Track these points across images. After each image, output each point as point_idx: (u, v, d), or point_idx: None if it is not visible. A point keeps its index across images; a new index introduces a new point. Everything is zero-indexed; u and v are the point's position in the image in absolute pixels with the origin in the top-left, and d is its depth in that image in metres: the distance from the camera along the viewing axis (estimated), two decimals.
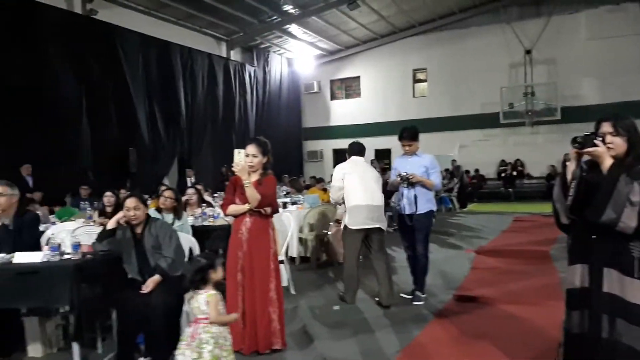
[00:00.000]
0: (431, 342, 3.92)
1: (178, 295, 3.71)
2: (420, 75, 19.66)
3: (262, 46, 18.44)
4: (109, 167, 11.98)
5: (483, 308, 4.75)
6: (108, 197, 6.39)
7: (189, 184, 11.24)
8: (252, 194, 3.61)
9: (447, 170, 15.83)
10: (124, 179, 11.90)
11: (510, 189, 17.43)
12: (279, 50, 19.34)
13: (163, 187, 6.52)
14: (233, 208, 3.75)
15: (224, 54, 16.98)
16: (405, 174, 4.92)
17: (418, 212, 4.94)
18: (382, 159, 19.46)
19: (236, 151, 3.61)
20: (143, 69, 13.27)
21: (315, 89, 20.80)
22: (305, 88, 21.01)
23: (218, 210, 6.14)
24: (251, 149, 3.73)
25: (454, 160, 16.47)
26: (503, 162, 17.96)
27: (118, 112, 12.36)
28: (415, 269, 5.13)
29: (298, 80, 20.87)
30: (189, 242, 4.14)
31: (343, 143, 20.67)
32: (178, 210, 5.38)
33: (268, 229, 3.82)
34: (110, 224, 3.81)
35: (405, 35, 19.21)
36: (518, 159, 17.82)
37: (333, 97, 21.14)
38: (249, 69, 17.83)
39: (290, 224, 5.49)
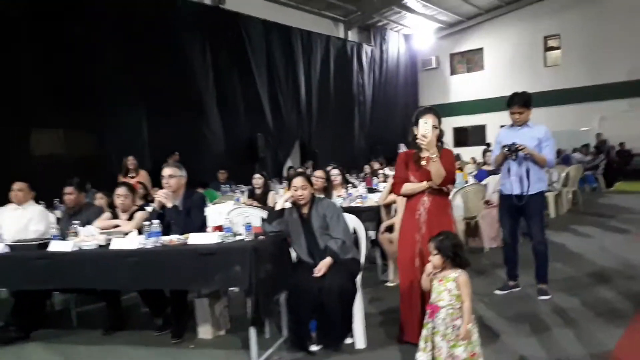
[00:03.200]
0: None
1: (352, 279, 3.49)
2: (552, 43, 17.93)
3: (380, 24, 17.94)
4: (240, 152, 12.33)
5: None
6: (256, 179, 6.41)
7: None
8: (439, 170, 3.23)
9: (584, 146, 14.31)
10: (253, 163, 12.17)
11: None
12: (396, 27, 18.71)
13: (302, 169, 6.42)
14: (409, 186, 3.40)
15: (342, 35, 16.73)
16: (513, 143, 4.24)
17: (530, 193, 4.27)
18: None
19: (422, 121, 3.25)
20: (266, 55, 13.45)
21: (434, 65, 19.87)
22: (422, 64, 20.17)
23: (363, 190, 5.89)
24: (430, 118, 3.34)
25: (599, 134, 14.81)
26: None
27: (245, 99, 12.64)
28: (535, 259, 4.46)
29: (415, 57, 20.09)
30: (352, 222, 3.88)
31: (464, 120, 19.92)
32: (328, 190, 5.21)
33: (448, 209, 3.44)
34: (279, 204, 3.68)
35: (534, 0, 17.59)
36: None
37: (453, 72, 20.04)
38: (366, 48, 17.45)
39: None
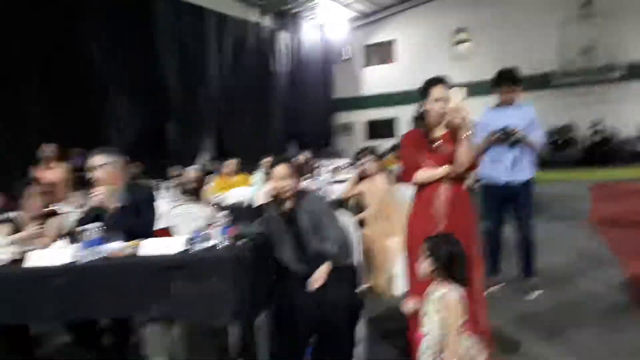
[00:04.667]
0: None
1: (354, 290, 2.84)
2: (461, 36, 18.41)
3: (294, 10, 17.24)
4: (148, 143, 11.02)
5: None
6: (192, 173, 5.45)
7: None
8: (467, 152, 2.65)
9: None
10: (163, 156, 10.95)
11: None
12: (311, 15, 18.12)
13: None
14: (426, 174, 2.79)
15: (256, 19, 15.81)
16: (505, 127, 3.85)
17: (521, 179, 3.96)
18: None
19: (454, 89, 2.65)
20: (176, 37, 12.20)
21: (348, 56, 19.59)
22: (336, 55, 19.79)
23: (323, 184, 5.22)
24: (441, 91, 2.76)
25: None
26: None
27: (152, 85, 11.32)
28: (524, 251, 4.10)
29: (329, 47, 19.66)
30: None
31: (377, 114, 19.92)
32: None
33: (470, 202, 2.87)
34: (259, 199, 2.90)
35: None
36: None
37: (368, 64, 19.91)
38: (280, 35, 16.68)
39: None
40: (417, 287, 2.75)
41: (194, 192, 5.52)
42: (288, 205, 2.94)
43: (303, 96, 17.45)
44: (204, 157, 12.52)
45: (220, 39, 13.77)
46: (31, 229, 3.19)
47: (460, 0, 17.73)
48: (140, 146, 10.29)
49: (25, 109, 8.39)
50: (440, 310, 2.14)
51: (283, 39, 16.82)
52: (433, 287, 2.24)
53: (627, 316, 3.45)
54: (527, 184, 4.01)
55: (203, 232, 2.70)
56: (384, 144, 16.16)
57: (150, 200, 3.14)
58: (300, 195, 2.96)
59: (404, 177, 2.93)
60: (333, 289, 2.68)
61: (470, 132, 2.64)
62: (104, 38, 10.08)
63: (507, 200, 4.06)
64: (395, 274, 4.05)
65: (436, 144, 2.81)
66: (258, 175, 6.50)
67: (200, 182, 5.48)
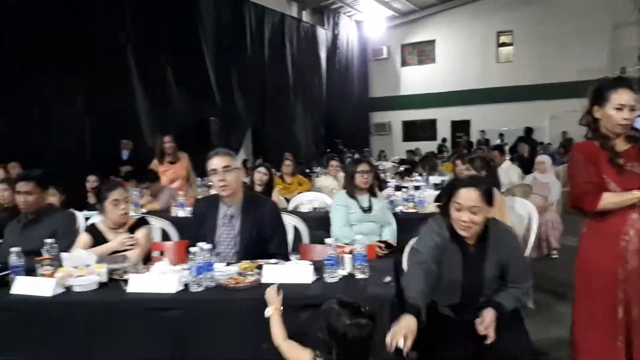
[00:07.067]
0: None
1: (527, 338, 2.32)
2: (505, 39, 17.76)
3: (333, 6, 16.74)
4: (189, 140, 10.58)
5: None
6: (261, 174, 4.92)
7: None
8: None
9: (541, 144, 14.12)
10: (205, 150, 10.49)
11: None
12: (349, 12, 17.61)
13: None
14: (614, 198, 2.23)
15: (295, 15, 15.34)
16: None
17: None
18: (460, 131, 17.81)
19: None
20: (217, 32, 11.75)
21: (385, 55, 19.02)
22: (373, 54, 19.22)
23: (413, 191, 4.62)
24: (627, 96, 2.25)
25: (564, 132, 14.65)
26: None
27: (192, 79, 10.89)
28: None
29: (366, 45, 19.13)
30: None
31: (414, 114, 19.34)
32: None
33: None
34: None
35: None
36: None
37: (404, 64, 19.34)
38: (319, 31, 16.18)
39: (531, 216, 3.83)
40: (597, 332, 2.26)
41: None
42: (470, 241, 2.34)
43: (340, 94, 16.94)
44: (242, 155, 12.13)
45: (259, 33, 13.30)
46: (120, 240, 2.71)
47: (504, 2, 17.08)
48: (188, 140, 9.90)
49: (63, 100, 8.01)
50: None
51: (321, 34, 16.32)
52: None
53: None
54: None
55: (332, 257, 2.22)
56: (422, 146, 15.74)
57: (278, 213, 2.67)
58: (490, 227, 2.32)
59: (584, 201, 2.31)
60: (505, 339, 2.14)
61: None
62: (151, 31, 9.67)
63: None
64: None
65: (622, 161, 2.27)
66: (323, 179, 6.03)
67: (271, 183, 4.97)
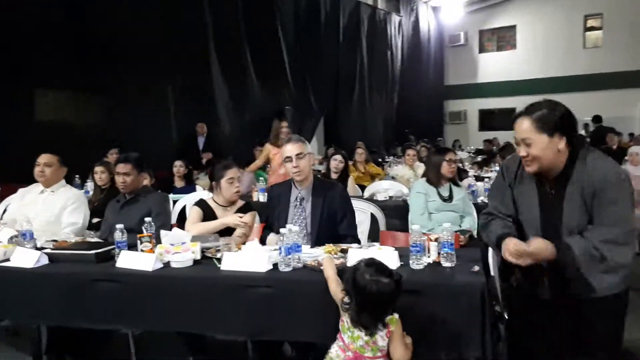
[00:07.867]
0: None
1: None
2: (592, 23, 16.65)
3: None
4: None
5: None
6: (337, 162, 4.99)
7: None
8: None
9: (631, 135, 13.18)
10: None
11: None
12: None
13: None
14: None
15: (371, 2, 15.19)
16: None
17: None
18: None
19: None
20: (293, 18, 11.88)
21: (462, 41, 18.43)
22: (449, 40, 18.67)
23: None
24: None
25: None
26: None
27: (273, 69, 11.12)
28: None
29: (442, 32, 18.62)
30: None
31: (492, 103, 18.62)
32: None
33: None
34: None
35: None
36: None
37: (482, 50, 18.65)
38: (394, 18, 15.94)
39: None
40: None
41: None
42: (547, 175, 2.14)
43: (414, 81, 16.62)
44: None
45: (335, 21, 13.29)
46: (235, 218, 2.89)
47: None
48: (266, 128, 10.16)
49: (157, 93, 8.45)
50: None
51: (396, 21, 16.07)
52: None
53: None
54: None
55: (418, 244, 2.22)
56: (500, 136, 15.14)
57: (347, 197, 2.74)
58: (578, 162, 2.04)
59: None
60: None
61: None
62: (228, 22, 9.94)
63: None
64: None
65: None
66: (399, 169, 6.00)
67: (346, 170, 5.04)
